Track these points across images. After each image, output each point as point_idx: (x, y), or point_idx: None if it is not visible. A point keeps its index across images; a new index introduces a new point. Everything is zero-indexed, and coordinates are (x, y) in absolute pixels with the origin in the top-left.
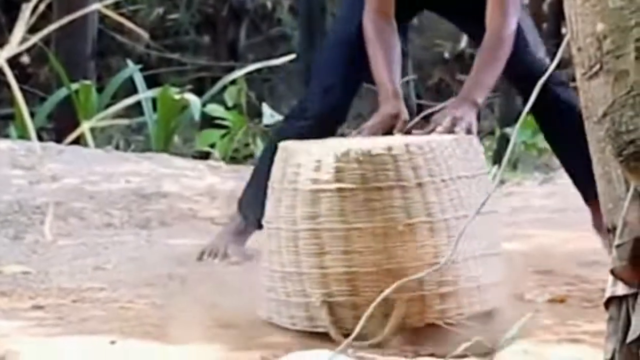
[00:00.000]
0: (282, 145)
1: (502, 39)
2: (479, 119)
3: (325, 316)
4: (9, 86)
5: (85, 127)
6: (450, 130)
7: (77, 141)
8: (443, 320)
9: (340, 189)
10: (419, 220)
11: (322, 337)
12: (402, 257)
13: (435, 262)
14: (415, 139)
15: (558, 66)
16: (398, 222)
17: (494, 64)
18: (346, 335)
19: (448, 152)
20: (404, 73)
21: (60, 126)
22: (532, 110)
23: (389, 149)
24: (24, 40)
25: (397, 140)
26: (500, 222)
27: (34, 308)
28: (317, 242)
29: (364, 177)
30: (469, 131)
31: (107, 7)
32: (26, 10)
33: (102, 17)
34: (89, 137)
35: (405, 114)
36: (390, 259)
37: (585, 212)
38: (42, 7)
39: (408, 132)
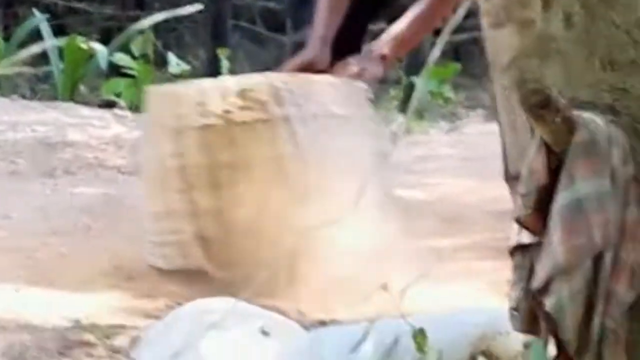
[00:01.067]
0: (151, 88)
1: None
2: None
3: (199, 253)
4: None
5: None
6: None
7: None
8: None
9: (205, 125)
10: (285, 153)
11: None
12: (270, 191)
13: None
14: (293, 78)
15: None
16: (264, 155)
17: (426, 25)
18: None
19: (323, 92)
20: None
21: None
22: None
23: (254, 85)
24: None
25: (270, 77)
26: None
27: None
28: (184, 179)
29: (227, 113)
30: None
31: None
32: None
33: None
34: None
35: (324, 61)
36: (258, 192)
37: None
38: None
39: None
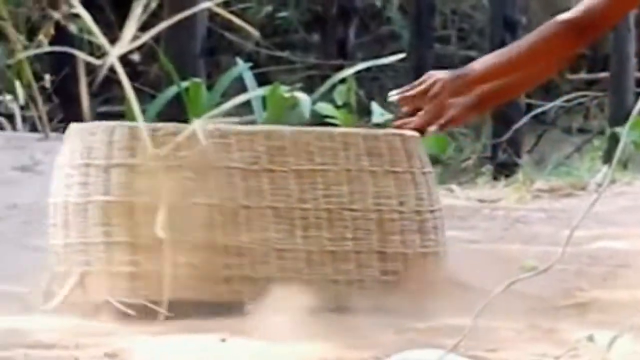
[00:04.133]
0: (74, 125)
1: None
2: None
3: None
4: (119, 84)
5: (196, 124)
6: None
7: None
8: None
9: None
10: (205, 202)
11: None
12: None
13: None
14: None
15: None
16: (184, 201)
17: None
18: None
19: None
20: None
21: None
22: None
23: (184, 130)
24: (134, 38)
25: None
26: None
27: None
28: (102, 213)
29: (154, 155)
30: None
31: (217, 5)
32: (138, 8)
33: (212, 16)
34: (200, 135)
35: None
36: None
37: None
38: (153, 5)
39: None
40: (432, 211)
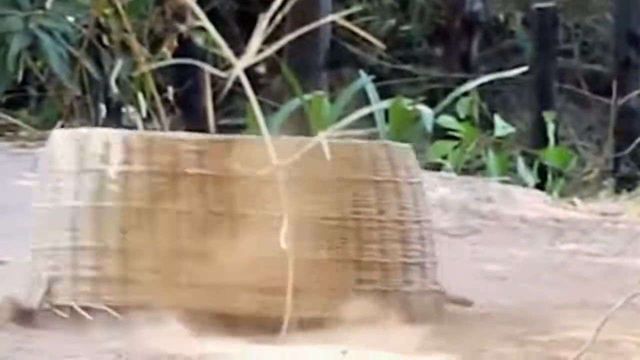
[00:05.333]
0: (55, 131)
1: None
2: None
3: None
4: (240, 96)
5: (321, 137)
6: None
7: None
8: None
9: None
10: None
11: None
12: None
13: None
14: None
15: None
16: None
17: None
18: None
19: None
20: None
21: (292, 136)
22: None
23: (179, 139)
24: (259, 50)
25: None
26: None
27: None
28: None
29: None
30: None
31: (341, 18)
32: (263, 21)
33: (335, 28)
34: (325, 148)
35: None
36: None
37: None
38: (278, 18)
39: None
40: (417, 221)
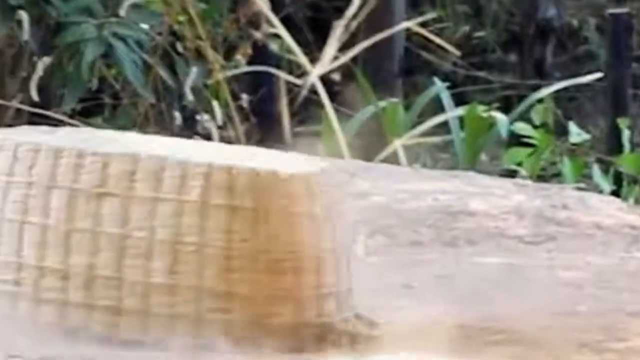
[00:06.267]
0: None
1: None
2: None
3: None
4: (315, 103)
5: (397, 144)
6: None
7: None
8: None
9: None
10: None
11: None
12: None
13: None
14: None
15: None
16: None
17: None
18: None
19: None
20: None
21: (367, 144)
22: None
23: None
24: (334, 58)
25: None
26: None
27: None
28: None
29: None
30: None
31: (415, 25)
32: (338, 29)
33: (409, 35)
34: (401, 155)
35: None
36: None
37: None
38: (353, 25)
39: None
40: (291, 252)
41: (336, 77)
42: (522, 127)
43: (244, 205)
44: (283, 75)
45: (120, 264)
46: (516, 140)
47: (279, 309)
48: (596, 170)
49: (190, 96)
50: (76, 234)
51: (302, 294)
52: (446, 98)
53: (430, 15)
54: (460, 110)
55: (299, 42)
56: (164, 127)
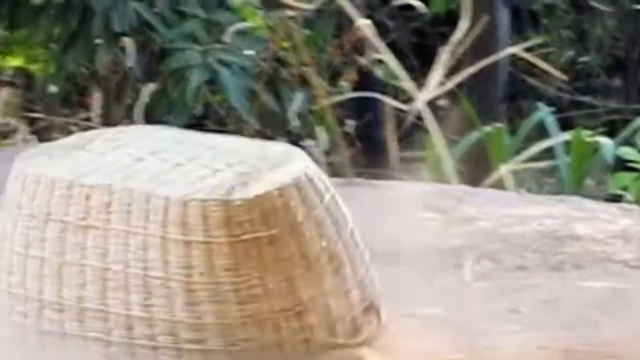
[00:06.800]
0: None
1: None
2: None
3: None
4: (419, 128)
5: (503, 170)
6: None
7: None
8: None
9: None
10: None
11: None
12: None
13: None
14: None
15: None
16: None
17: None
18: None
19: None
20: None
21: (473, 169)
22: None
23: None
24: (440, 83)
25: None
26: None
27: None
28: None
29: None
30: None
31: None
32: (444, 55)
33: (513, 61)
34: (508, 180)
35: None
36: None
37: None
38: (459, 51)
39: None
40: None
41: (442, 102)
42: (627, 152)
43: (197, 238)
44: (389, 100)
45: (105, 297)
46: (621, 164)
47: (252, 334)
48: None
49: (295, 122)
50: (67, 266)
51: (272, 316)
52: (551, 123)
53: (534, 41)
54: (566, 135)
55: (403, 68)
56: None
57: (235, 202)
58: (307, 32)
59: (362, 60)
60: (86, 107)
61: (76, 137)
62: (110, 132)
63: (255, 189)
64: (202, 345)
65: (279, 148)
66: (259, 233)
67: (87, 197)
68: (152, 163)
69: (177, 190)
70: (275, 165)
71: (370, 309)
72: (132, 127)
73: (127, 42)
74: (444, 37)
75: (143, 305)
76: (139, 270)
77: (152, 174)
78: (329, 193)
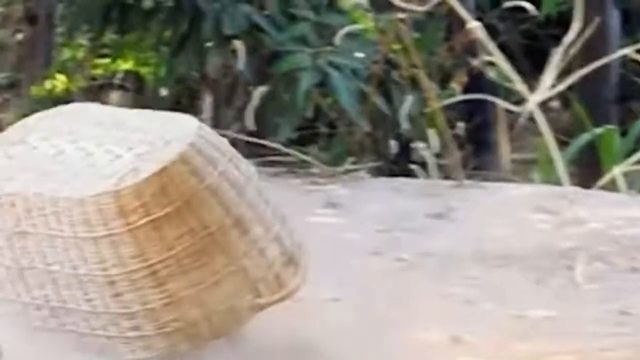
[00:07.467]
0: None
1: None
2: None
3: None
4: (530, 130)
5: (616, 172)
6: None
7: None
8: None
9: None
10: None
11: None
12: None
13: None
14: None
15: None
16: None
17: None
18: None
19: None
20: None
21: (583, 171)
22: None
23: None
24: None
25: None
26: None
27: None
28: None
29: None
30: None
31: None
32: (556, 56)
33: (624, 62)
34: (620, 182)
35: None
36: None
37: None
38: (569, 53)
39: None
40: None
41: (554, 104)
42: None
43: (101, 233)
44: (501, 102)
45: (60, 295)
46: None
47: (176, 313)
48: None
49: (405, 124)
50: (25, 270)
51: (191, 292)
52: None
53: None
54: None
55: (514, 70)
56: (380, 156)
57: (125, 190)
58: (417, 34)
59: (473, 62)
60: (197, 110)
61: (20, 126)
62: (50, 114)
63: (145, 173)
64: (139, 332)
65: (178, 121)
66: (155, 215)
67: (12, 205)
68: (69, 155)
69: (77, 188)
70: (169, 142)
71: (291, 261)
72: (68, 107)
73: (238, 45)
74: (555, 39)
75: (86, 300)
76: (70, 269)
77: (65, 169)
78: (225, 157)
